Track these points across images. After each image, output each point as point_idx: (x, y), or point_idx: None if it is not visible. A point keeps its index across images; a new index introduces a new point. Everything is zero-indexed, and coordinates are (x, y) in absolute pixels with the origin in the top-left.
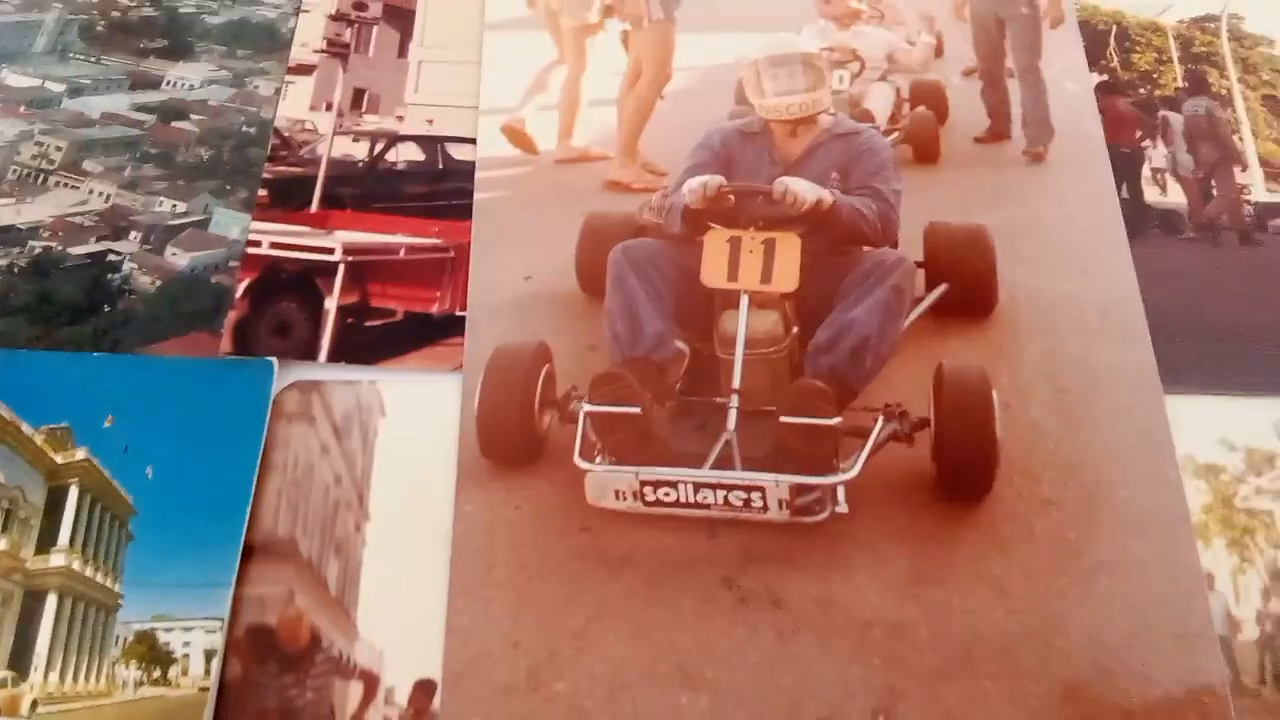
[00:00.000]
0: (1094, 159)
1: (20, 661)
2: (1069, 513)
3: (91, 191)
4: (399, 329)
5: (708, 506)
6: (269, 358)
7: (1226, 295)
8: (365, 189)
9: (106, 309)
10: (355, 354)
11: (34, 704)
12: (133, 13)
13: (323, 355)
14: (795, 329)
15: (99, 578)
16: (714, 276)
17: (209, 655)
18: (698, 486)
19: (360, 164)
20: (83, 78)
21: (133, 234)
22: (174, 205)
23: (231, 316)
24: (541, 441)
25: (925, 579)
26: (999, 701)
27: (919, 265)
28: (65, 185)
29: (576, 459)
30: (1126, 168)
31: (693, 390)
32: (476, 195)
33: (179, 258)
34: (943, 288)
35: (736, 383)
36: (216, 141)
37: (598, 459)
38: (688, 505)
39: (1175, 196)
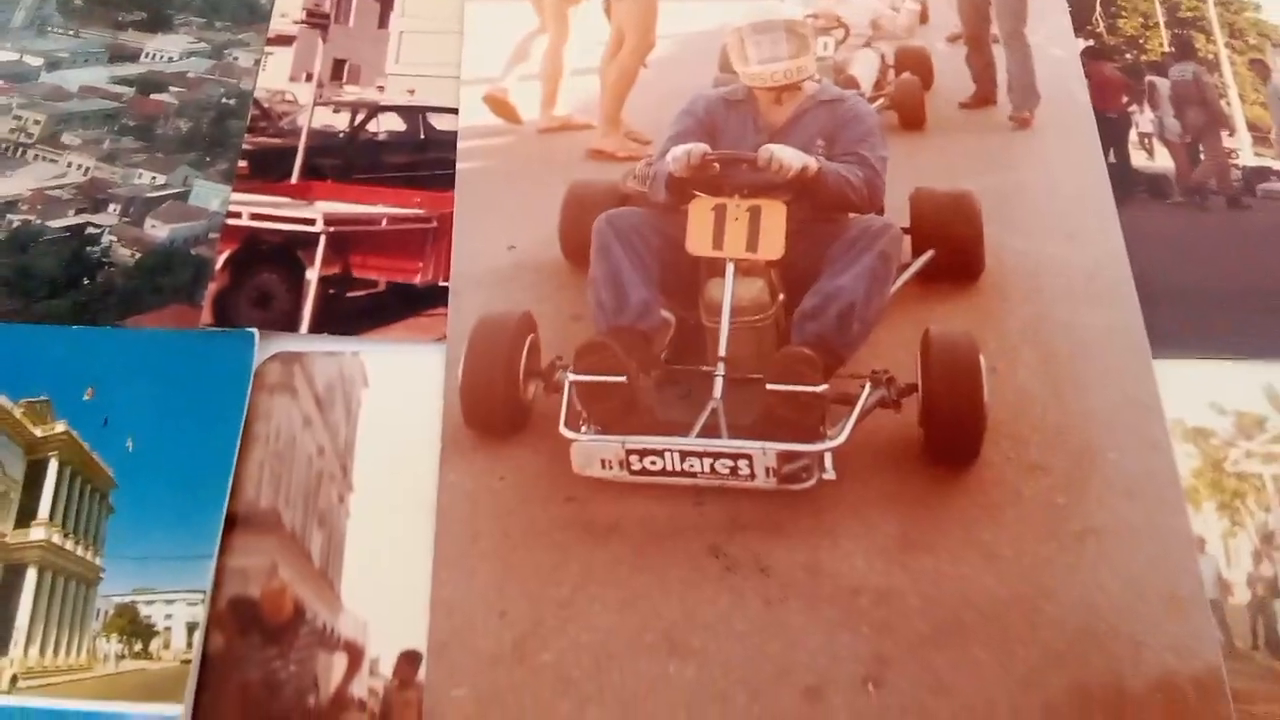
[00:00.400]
0: (1080, 124)
1: (0, 636)
2: (1058, 477)
3: (70, 165)
4: (381, 300)
5: (694, 475)
6: (250, 329)
7: (1214, 259)
8: (346, 160)
9: (86, 282)
10: (337, 325)
11: (14, 679)
12: None
13: (304, 326)
14: (781, 296)
15: (79, 551)
16: (699, 244)
17: (191, 628)
18: (684, 455)
19: (341, 134)
20: (61, 51)
21: (112, 206)
22: (153, 178)
23: (211, 288)
24: (526, 411)
25: (914, 545)
26: (989, 668)
27: (905, 231)
28: (44, 159)
29: (562, 428)
30: (1113, 132)
31: (679, 359)
32: (459, 165)
33: (158, 230)
34: (929, 254)
35: (722, 351)
36: (195, 113)
37: (583, 428)
38: (674, 474)
39: (1163, 161)
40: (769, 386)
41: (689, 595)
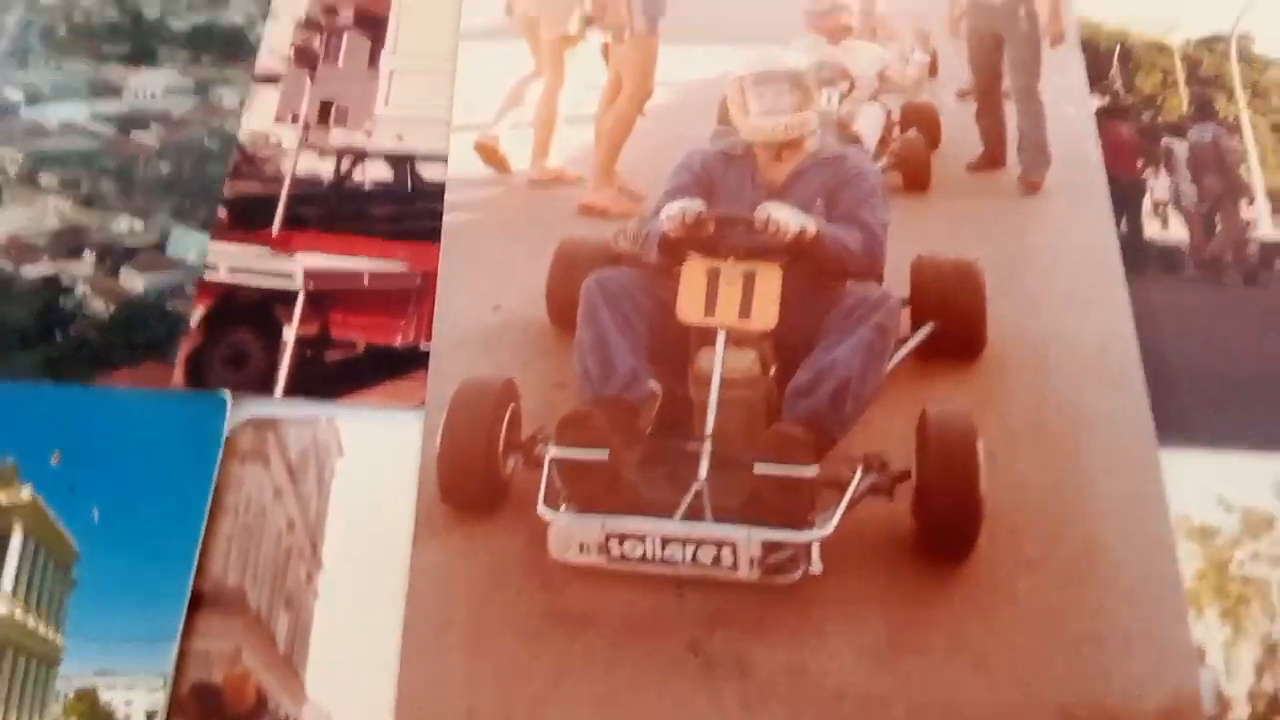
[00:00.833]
0: (1092, 189)
1: None
2: (1054, 575)
3: (47, 208)
4: (360, 362)
5: (675, 564)
6: (222, 392)
7: (1228, 340)
8: (330, 209)
9: (58, 336)
10: (313, 388)
11: None
12: (95, 16)
13: (279, 390)
14: (774, 368)
15: (41, 629)
16: (690, 311)
17: (150, 716)
18: (665, 542)
19: (326, 183)
20: (42, 84)
21: (87, 254)
22: (131, 224)
23: (185, 347)
24: (505, 487)
25: (902, 646)
26: None
27: (905, 302)
28: (20, 201)
29: (540, 508)
30: (1126, 199)
31: (665, 433)
32: (446, 217)
33: (134, 281)
34: (929, 327)
35: (709, 427)
36: (177, 156)
37: (562, 507)
38: (654, 562)
39: (1177, 231)
40: (757, 468)
41: (665, 695)
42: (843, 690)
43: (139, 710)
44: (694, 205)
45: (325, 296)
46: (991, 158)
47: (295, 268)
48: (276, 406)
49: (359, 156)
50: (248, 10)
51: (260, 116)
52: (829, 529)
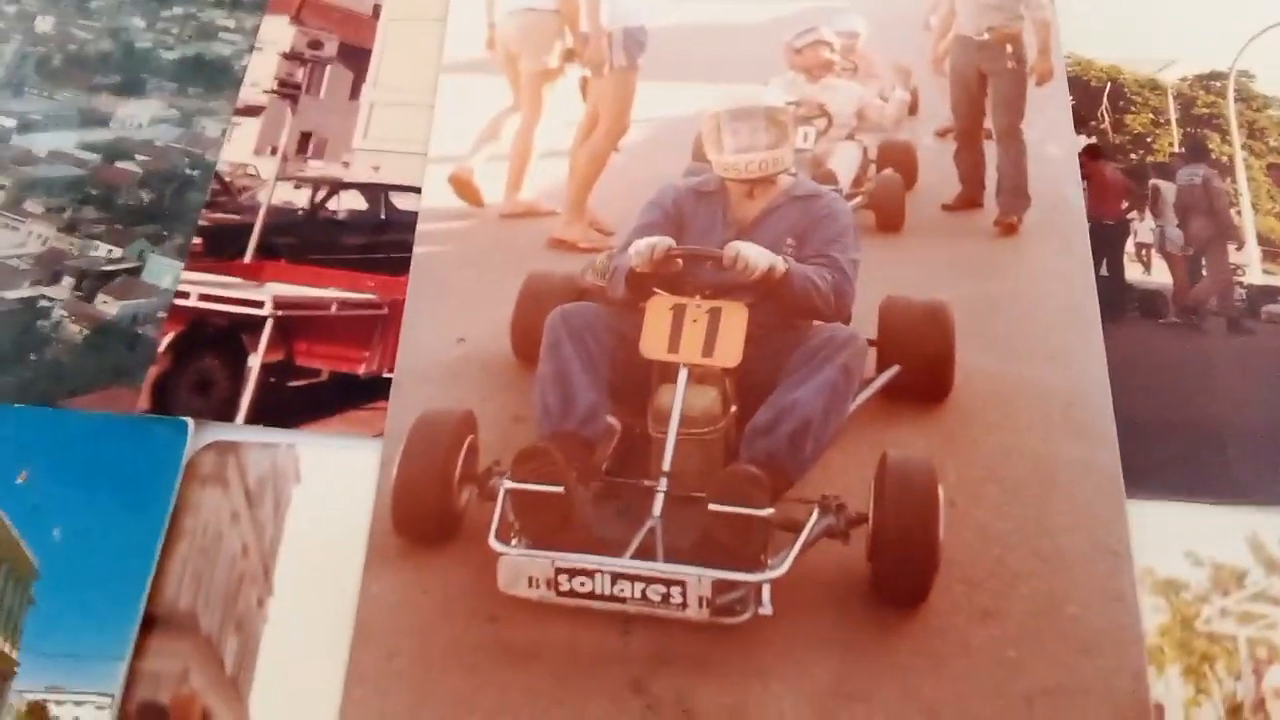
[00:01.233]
0: (1072, 232)
1: None
2: (1011, 627)
3: (30, 234)
4: (323, 390)
5: (623, 600)
6: (184, 418)
7: (1206, 389)
8: (303, 239)
9: (33, 357)
10: (276, 415)
11: None
12: (90, 46)
13: (241, 416)
14: (734, 407)
15: None
16: (653, 347)
17: None
18: (615, 578)
19: (300, 212)
20: (34, 113)
21: (66, 279)
22: (109, 250)
23: (152, 372)
24: (458, 519)
25: (849, 695)
26: None
27: (871, 343)
28: (5, 226)
29: (492, 540)
30: (1108, 242)
31: (621, 470)
32: (416, 249)
33: (109, 306)
34: (894, 370)
35: (666, 464)
36: (159, 184)
37: (514, 541)
38: (602, 598)
39: (1160, 276)
40: (711, 507)
41: None
42: None
43: None
44: (663, 241)
45: (292, 324)
46: (969, 198)
47: (264, 295)
48: (238, 432)
49: (335, 187)
50: (235, 43)
51: (240, 147)
52: (781, 570)
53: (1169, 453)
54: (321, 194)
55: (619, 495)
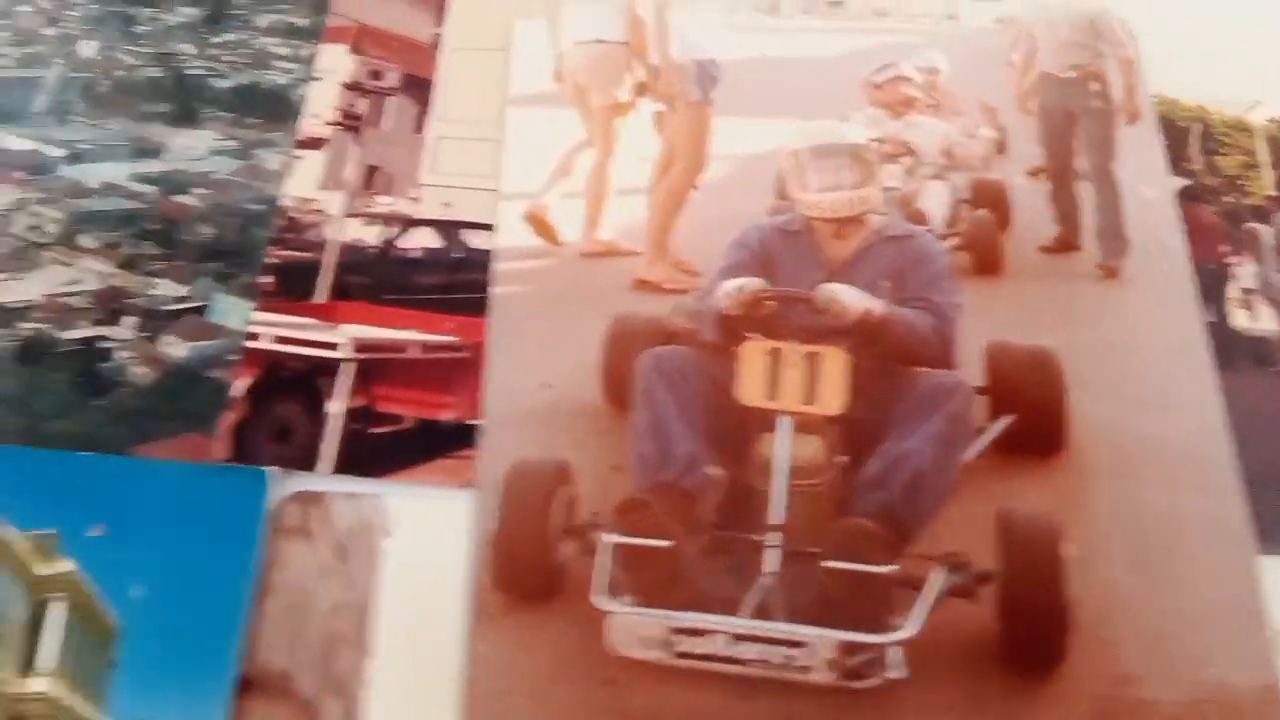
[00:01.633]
0: (1175, 276)
1: None
2: (1151, 691)
3: (87, 270)
4: (407, 437)
5: (744, 663)
6: (265, 467)
7: None
8: (376, 278)
9: (98, 402)
10: (360, 464)
11: None
12: (137, 72)
13: (324, 465)
14: (840, 458)
15: (80, 708)
16: (752, 393)
17: None
18: (734, 638)
19: (371, 250)
20: (82, 142)
21: (128, 319)
22: (173, 288)
23: (228, 418)
24: (560, 574)
25: None
26: None
27: (979, 391)
28: (59, 262)
29: (598, 598)
30: (1210, 286)
31: (727, 522)
32: (494, 289)
33: (176, 348)
34: (1007, 420)
35: (776, 517)
36: (220, 219)
37: (623, 598)
38: (722, 660)
39: (1267, 322)
40: (828, 564)
41: None
42: None
43: None
44: (753, 283)
45: (371, 368)
46: (1066, 240)
47: (342, 338)
48: (321, 482)
49: (406, 224)
50: (292, 71)
51: (304, 181)
52: (914, 631)
53: None
54: (394, 231)
55: (727, 550)
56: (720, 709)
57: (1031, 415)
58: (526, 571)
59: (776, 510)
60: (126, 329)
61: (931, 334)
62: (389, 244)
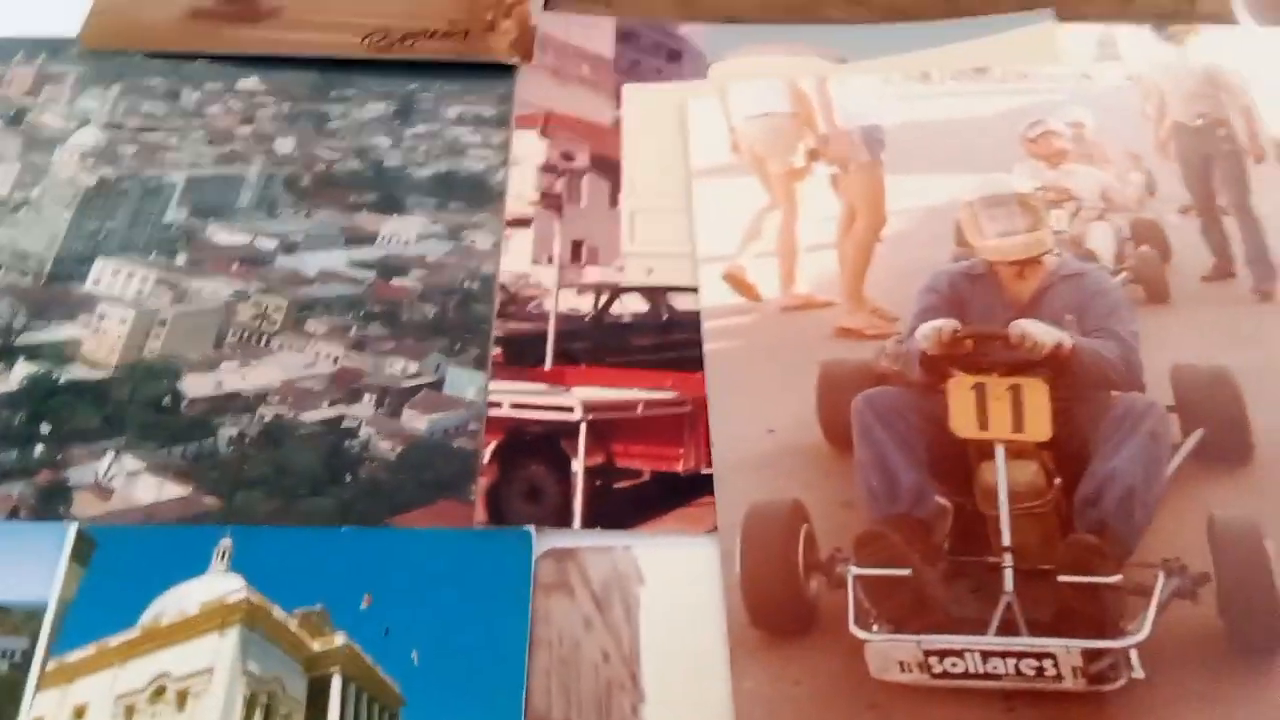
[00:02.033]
0: None
1: None
2: None
3: (318, 354)
4: (647, 490)
5: (999, 677)
6: (526, 527)
7: None
8: (594, 343)
9: (348, 478)
10: (607, 518)
11: None
12: (338, 166)
13: (577, 521)
14: (1058, 480)
15: None
16: (964, 425)
17: None
18: (986, 655)
19: (586, 317)
20: (295, 233)
21: (366, 397)
22: (405, 366)
23: (481, 483)
24: (812, 608)
25: None
26: None
27: (1170, 409)
28: (289, 348)
29: (852, 627)
30: None
31: (961, 548)
32: (706, 345)
33: (418, 421)
34: (1200, 433)
35: (1006, 540)
36: (440, 298)
37: (874, 626)
38: (977, 676)
39: None
40: (1061, 578)
41: None
42: None
43: None
44: (949, 323)
45: (605, 427)
46: (1222, 269)
47: (574, 400)
48: (574, 538)
49: (615, 291)
50: (486, 158)
51: (517, 258)
52: (1145, 633)
53: None
54: (604, 298)
55: (966, 573)
56: None
57: (1218, 429)
58: (780, 607)
59: (1005, 532)
60: (366, 407)
61: (1119, 360)
62: (601, 310)
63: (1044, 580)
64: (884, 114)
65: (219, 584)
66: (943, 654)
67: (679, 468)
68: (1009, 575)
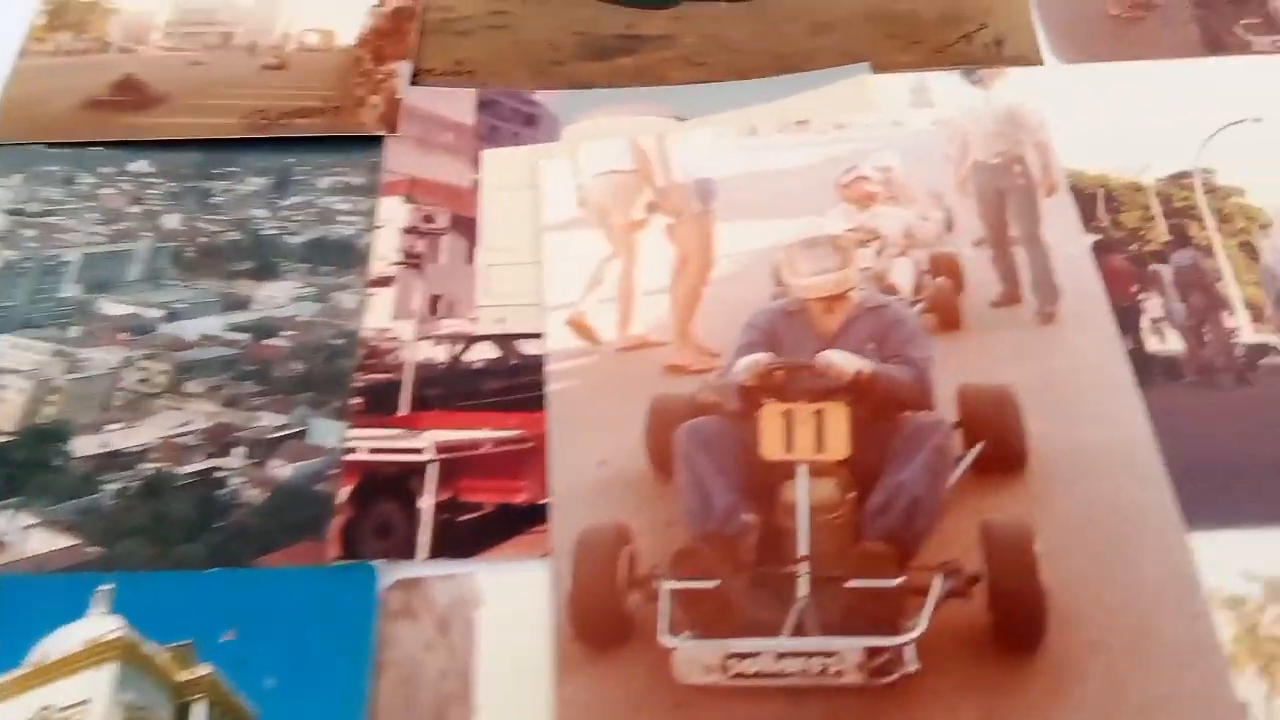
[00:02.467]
0: (1098, 315)
1: None
2: (1117, 654)
3: (195, 412)
4: (489, 521)
5: (790, 675)
6: (371, 561)
7: (1230, 433)
8: (448, 389)
9: (218, 524)
10: (452, 549)
11: None
12: (219, 238)
13: (421, 553)
14: (852, 493)
15: None
16: (772, 448)
17: None
18: (779, 655)
19: (442, 366)
20: (178, 302)
21: (237, 450)
22: (274, 419)
23: (337, 522)
24: (630, 621)
25: None
26: None
27: (955, 425)
28: (170, 408)
29: (661, 636)
30: (1127, 320)
31: (765, 560)
32: (549, 387)
33: (282, 469)
34: (979, 446)
35: (803, 549)
36: (308, 355)
37: (684, 634)
38: (771, 675)
39: (1174, 344)
40: (849, 584)
41: None
42: None
43: None
44: (763, 357)
45: (453, 466)
46: (1010, 295)
47: (425, 443)
48: (421, 568)
49: (468, 341)
50: (355, 224)
51: (379, 314)
52: (920, 630)
53: (1213, 489)
54: (459, 348)
55: (767, 582)
56: (776, 716)
57: (997, 441)
58: (599, 622)
59: (802, 543)
60: (237, 459)
61: (912, 383)
62: (455, 359)
63: (835, 585)
64: (716, 167)
65: (99, 625)
66: (741, 656)
67: (519, 499)
68: (804, 582)
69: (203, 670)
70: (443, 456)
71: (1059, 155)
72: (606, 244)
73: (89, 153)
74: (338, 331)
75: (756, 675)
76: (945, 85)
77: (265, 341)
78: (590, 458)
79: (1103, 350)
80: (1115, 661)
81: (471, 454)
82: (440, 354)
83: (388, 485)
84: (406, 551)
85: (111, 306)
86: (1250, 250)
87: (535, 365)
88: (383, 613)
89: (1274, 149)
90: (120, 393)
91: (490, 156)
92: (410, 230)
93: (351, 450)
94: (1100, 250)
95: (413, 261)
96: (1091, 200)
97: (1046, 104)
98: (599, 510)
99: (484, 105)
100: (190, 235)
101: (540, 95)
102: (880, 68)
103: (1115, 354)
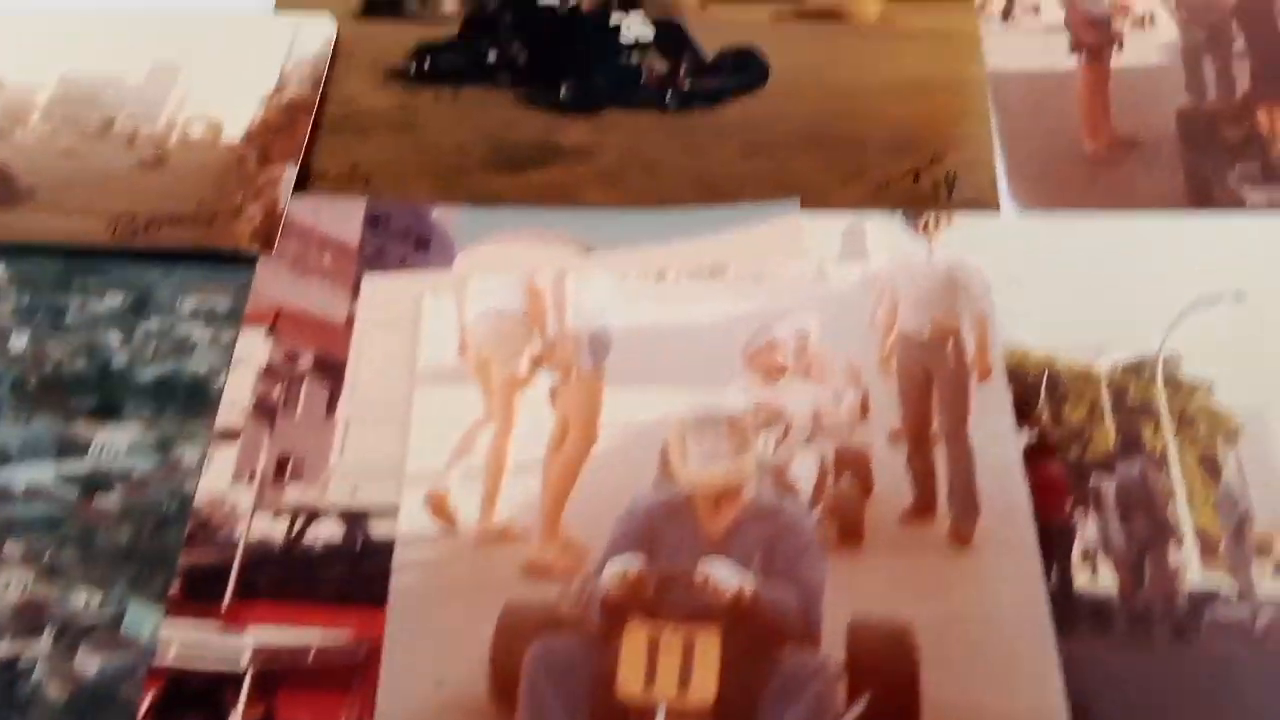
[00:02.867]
0: (1021, 541)
1: None
2: None
3: (8, 583)
4: None
5: None
6: None
7: (1158, 706)
8: (283, 574)
9: None
10: None
11: None
12: (65, 367)
13: None
14: None
15: None
16: (630, 682)
17: None
18: None
19: (278, 547)
20: (11, 443)
21: (46, 632)
22: (89, 597)
23: None
24: None
25: None
26: None
27: (842, 668)
28: None
29: None
30: (1055, 546)
31: None
32: (393, 579)
33: (89, 665)
34: (864, 700)
35: None
36: (138, 519)
37: None
38: None
39: (1106, 579)
40: None
41: None
42: None
43: None
44: (634, 564)
45: (272, 677)
46: (922, 506)
47: (243, 647)
48: None
49: (311, 515)
50: (211, 360)
51: (218, 476)
52: None
53: None
54: (299, 524)
55: None
56: None
57: (887, 694)
58: None
59: None
60: (45, 643)
61: (798, 613)
62: (294, 540)
63: None
64: (615, 315)
65: None
66: None
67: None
68: None
69: None
70: (261, 667)
71: (1001, 328)
72: (481, 405)
73: None
74: (172, 492)
75: None
76: (883, 231)
77: (95, 500)
78: (427, 676)
79: (1021, 589)
80: None
81: (294, 665)
82: (278, 531)
83: (196, 697)
84: None
85: None
86: (1211, 465)
87: (383, 551)
88: None
89: (1254, 337)
90: None
91: (370, 284)
92: (269, 372)
93: (162, 650)
94: (1034, 455)
95: (265, 412)
96: (1033, 388)
97: (996, 262)
98: None
99: (373, 221)
100: (37, 360)
101: (437, 212)
102: (813, 201)
103: (1035, 595)
